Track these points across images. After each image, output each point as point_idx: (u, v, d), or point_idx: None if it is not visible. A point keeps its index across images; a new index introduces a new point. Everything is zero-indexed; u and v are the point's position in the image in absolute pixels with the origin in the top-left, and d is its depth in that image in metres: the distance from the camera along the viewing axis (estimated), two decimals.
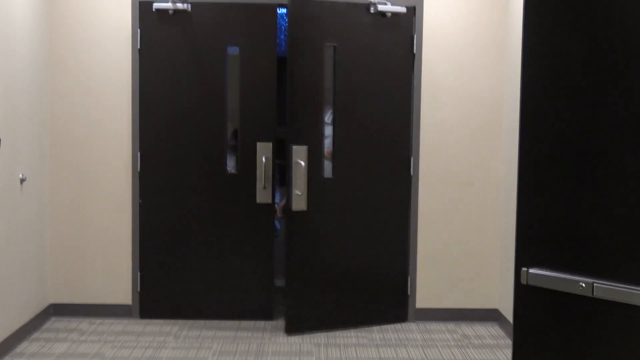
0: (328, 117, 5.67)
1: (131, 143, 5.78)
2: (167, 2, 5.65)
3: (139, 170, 5.78)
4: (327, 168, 5.68)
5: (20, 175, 5.19)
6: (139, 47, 5.72)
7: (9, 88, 5.01)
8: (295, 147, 5.45)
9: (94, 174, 5.83)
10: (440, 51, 5.81)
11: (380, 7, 5.61)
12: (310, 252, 5.61)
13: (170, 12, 5.67)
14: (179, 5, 5.63)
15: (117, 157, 5.81)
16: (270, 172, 5.78)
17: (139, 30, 5.71)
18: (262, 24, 5.76)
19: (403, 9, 5.67)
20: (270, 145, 5.76)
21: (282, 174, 6.14)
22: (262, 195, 5.79)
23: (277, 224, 6.43)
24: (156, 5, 5.66)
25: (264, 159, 5.74)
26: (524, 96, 2.53)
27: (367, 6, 5.61)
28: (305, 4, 5.42)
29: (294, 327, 5.56)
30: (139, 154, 5.78)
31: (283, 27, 13.94)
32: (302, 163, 5.42)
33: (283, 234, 6.08)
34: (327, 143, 5.70)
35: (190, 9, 5.66)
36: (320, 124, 5.63)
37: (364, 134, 5.69)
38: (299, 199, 5.46)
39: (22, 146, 5.25)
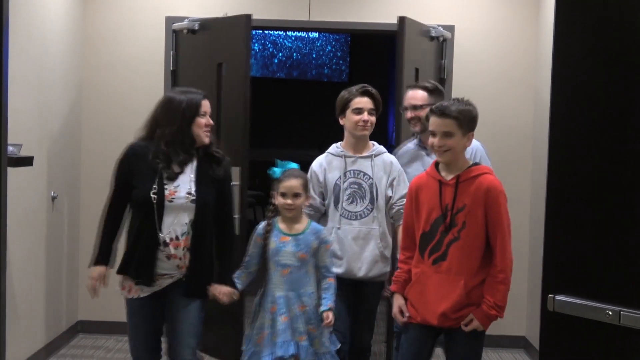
0: None
1: None
2: (182, 22, 5.59)
3: None
4: None
5: (52, 193, 5.27)
6: (172, 68, 5.78)
7: (43, 108, 5.10)
8: None
9: None
10: (470, 82, 5.80)
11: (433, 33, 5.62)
12: None
13: (185, 32, 5.58)
14: (190, 25, 5.51)
15: None
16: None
17: (171, 52, 5.78)
18: (237, 39, 5.15)
19: (448, 34, 5.72)
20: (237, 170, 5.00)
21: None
22: None
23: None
24: (175, 26, 5.67)
25: None
26: (552, 128, 2.53)
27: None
28: None
29: None
30: None
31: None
32: None
33: None
34: None
35: (197, 27, 5.48)
36: None
37: None
38: None
39: (54, 165, 5.33)
